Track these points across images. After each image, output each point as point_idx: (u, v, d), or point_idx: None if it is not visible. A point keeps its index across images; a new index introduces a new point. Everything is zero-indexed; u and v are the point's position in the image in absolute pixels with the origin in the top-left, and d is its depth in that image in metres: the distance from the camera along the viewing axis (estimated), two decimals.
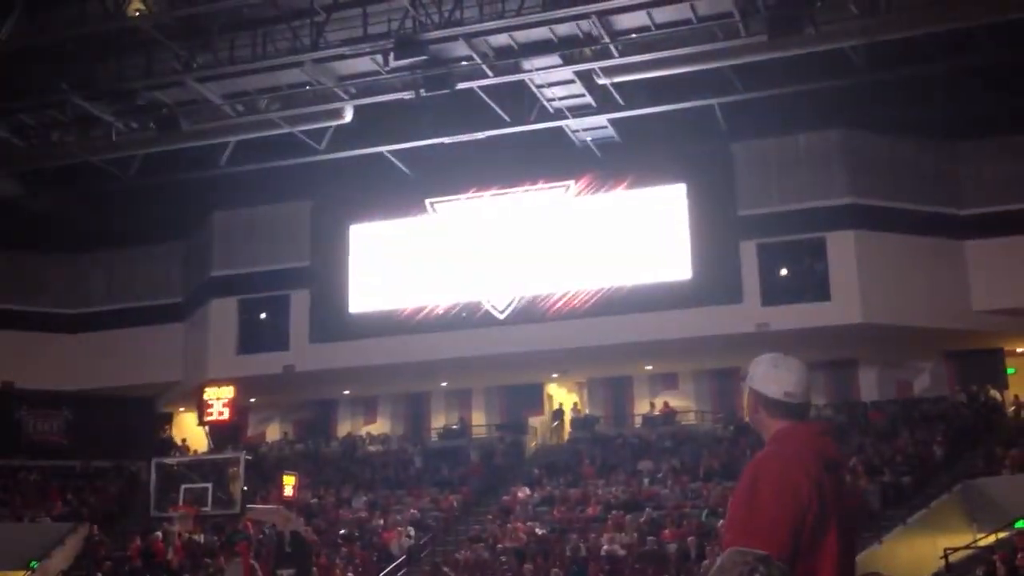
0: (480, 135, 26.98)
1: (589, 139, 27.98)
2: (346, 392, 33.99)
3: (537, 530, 25.00)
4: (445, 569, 23.45)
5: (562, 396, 33.25)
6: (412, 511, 27.61)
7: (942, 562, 20.42)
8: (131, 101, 24.67)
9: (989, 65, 24.29)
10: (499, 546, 24.51)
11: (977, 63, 24.12)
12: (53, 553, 27.08)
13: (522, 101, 26.11)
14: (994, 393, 27.96)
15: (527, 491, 27.61)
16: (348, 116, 25.74)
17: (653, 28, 22.68)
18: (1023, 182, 26.96)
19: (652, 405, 31.17)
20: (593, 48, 23.43)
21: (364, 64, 24.05)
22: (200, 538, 25.61)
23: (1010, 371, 28.91)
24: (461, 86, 23.88)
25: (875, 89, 25.90)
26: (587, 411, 32.33)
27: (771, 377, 3.69)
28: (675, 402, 31.29)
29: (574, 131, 27.39)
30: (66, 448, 32.89)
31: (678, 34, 22.84)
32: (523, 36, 23.02)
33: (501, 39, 23.03)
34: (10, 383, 32.89)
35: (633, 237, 28.81)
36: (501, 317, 29.54)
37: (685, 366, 31.10)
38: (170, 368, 33.02)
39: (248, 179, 29.90)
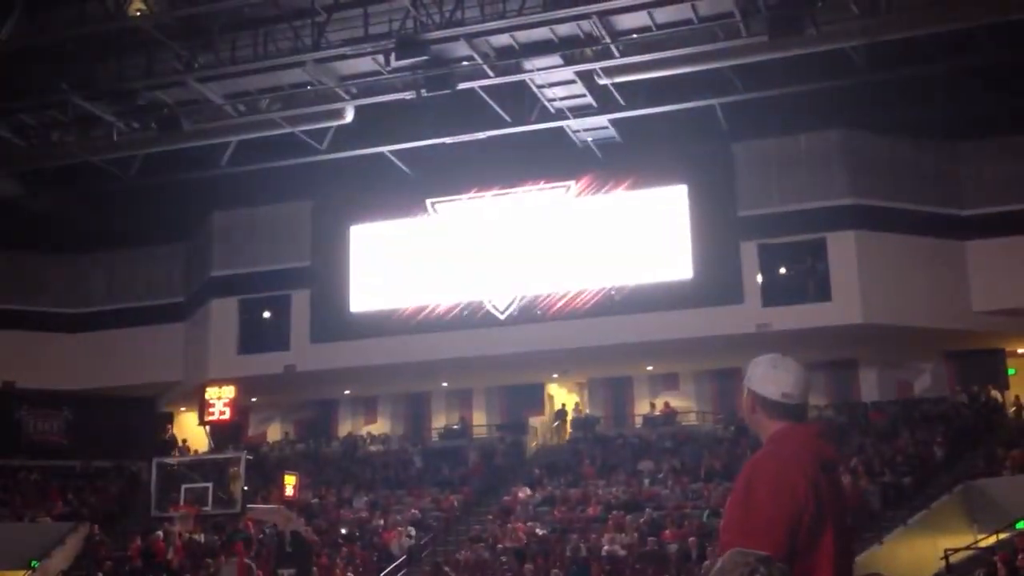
0: (481, 135, 26.98)
1: (590, 139, 27.98)
2: (347, 392, 34.00)
3: (537, 530, 25.00)
4: (446, 569, 23.45)
5: (563, 396, 33.26)
6: (413, 511, 27.62)
7: (943, 563, 20.41)
8: (132, 101, 24.66)
9: (989, 65, 24.28)
10: (499, 546, 24.51)
11: (977, 63, 24.11)
12: (53, 553, 27.09)
13: (523, 101, 26.11)
14: (995, 394, 27.96)
15: (528, 491, 27.61)
16: (349, 116, 25.73)
17: (654, 28, 22.67)
18: (1023, 183, 26.96)
19: (653, 405, 31.17)
20: (594, 48, 23.42)
21: (365, 64, 24.04)
22: (201, 538, 25.63)
23: (1011, 372, 28.92)
24: (462, 86, 23.87)
25: (876, 89, 25.90)
26: (587, 411, 32.32)
27: (769, 378, 3.70)
28: (676, 402, 31.29)
29: (575, 131, 27.38)
30: (66, 448, 32.91)
31: (679, 34, 22.83)
32: (524, 36, 23.01)
33: (502, 39, 23.02)
34: (10, 383, 32.90)
35: (634, 237, 28.81)
36: (502, 317, 29.55)
37: (686, 366, 31.09)
38: (171, 368, 33.02)
39: (249, 179, 29.90)
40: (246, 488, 21.34)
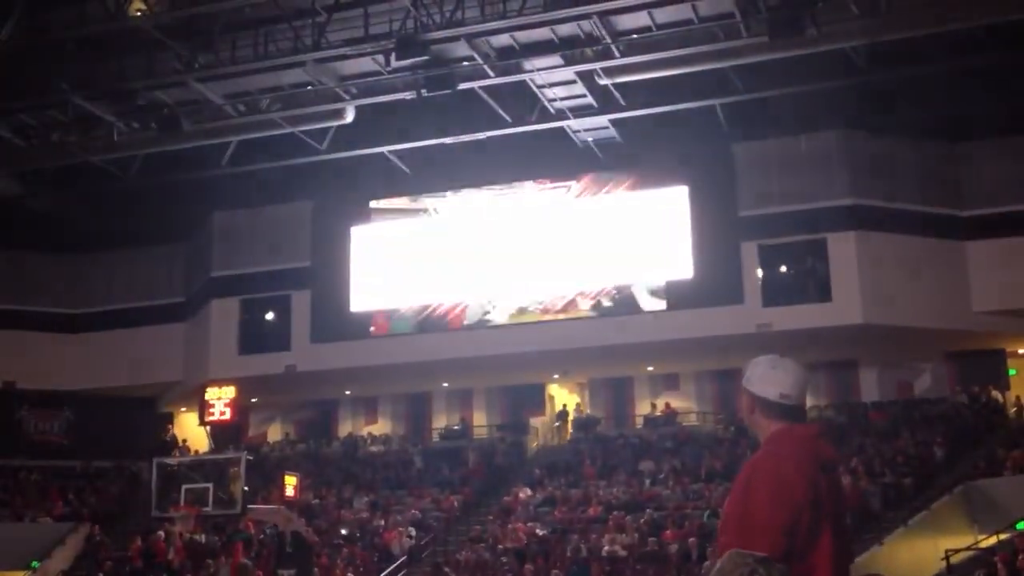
0: (481, 135, 26.99)
1: (590, 139, 27.97)
2: (347, 392, 34.00)
3: (538, 531, 24.99)
4: (446, 570, 23.45)
5: (563, 397, 33.25)
6: (413, 511, 27.62)
7: (943, 563, 20.39)
8: (132, 101, 24.65)
9: (989, 65, 24.28)
10: (500, 547, 24.50)
11: (977, 63, 24.11)
12: (54, 553, 27.07)
13: (523, 101, 26.11)
14: (995, 394, 27.93)
15: (528, 492, 27.61)
16: (349, 116, 25.72)
17: (654, 28, 22.66)
18: (1023, 183, 26.95)
19: (653, 406, 31.16)
20: (594, 48, 23.42)
21: (366, 64, 24.04)
22: (201, 538, 25.61)
23: (1011, 372, 28.91)
24: (462, 86, 23.85)
25: (876, 89, 25.90)
26: (588, 412, 32.31)
27: (767, 379, 3.70)
28: (676, 403, 31.27)
29: (575, 131, 27.38)
30: (67, 448, 32.91)
31: (679, 34, 22.82)
32: (525, 36, 23.00)
33: (503, 39, 23.02)
34: (11, 383, 32.91)
35: (634, 237, 28.82)
36: (502, 317, 29.56)
37: (686, 367, 31.09)
38: (171, 368, 33.04)
39: (249, 179, 29.92)
40: (246, 488, 21.29)
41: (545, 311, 29.23)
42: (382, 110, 26.05)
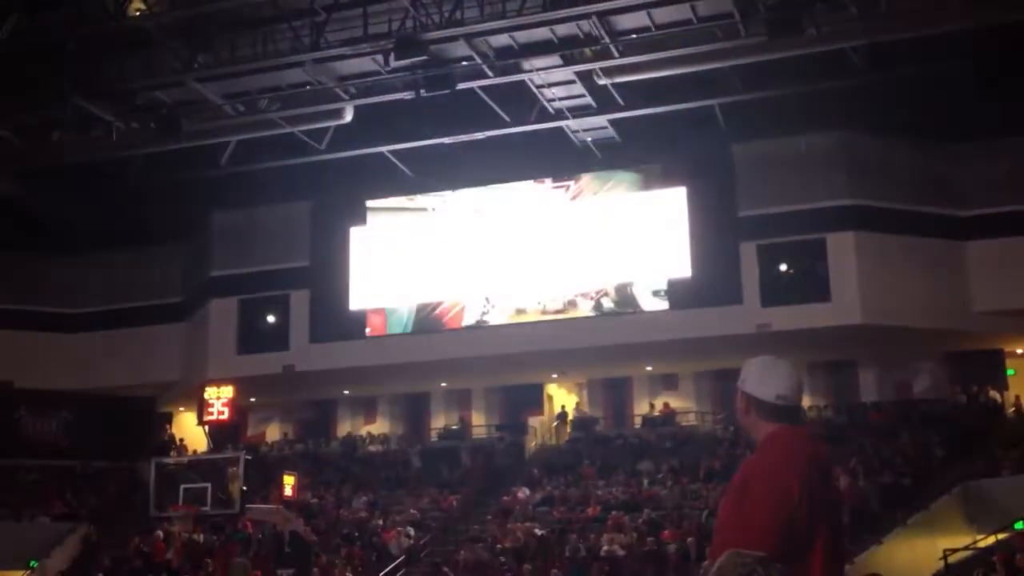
0: (480, 135, 26.99)
1: (589, 139, 27.99)
2: (346, 392, 34.00)
3: (537, 530, 24.97)
4: (445, 569, 23.43)
5: (562, 396, 33.25)
6: (412, 511, 27.62)
7: (941, 563, 20.39)
8: (132, 101, 24.67)
9: (989, 66, 24.27)
10: (499, 546, 24.50)
11: (977, 64, 24.10)
12: (53, 553, 27.06)
13: (522, 101, 26.11)
14: (994, 394, 27.94)
15: (527, 491, 27.61)
16: (348, 116, 25.74)
17: (653, 28, 22.65)
18: (1023, 183, 26.95)
19: (652, 406, 31.15)
20: (593, 48, 23.43)
21: (364, 64, 24.03)
22: (200, 538, 25.61)
23: (1010, 372, 28.92)
24: (461, 86, 23.85)
25: (875, 90, 25.88)
26: (587, 411, 32.29)
27: (763, 380, 3.71)
28: (675, 403, 31.26)
29: (574, 131, 27.39)
30: (66, 448, 32.85)
31: (678, 34, 22.81)
32: (523, 36, 23.00)
33: (501, 39, 23.02)
34: (10, 383, 32.85)
35: (633, 238, 28.82)
36: (501, 317, 29.57)
37: (685, 367, 31.09)
38: (170, 368, 33.05)
39: (249, 179, 29.89)
40: (245, 488, 21.34)
41: (544, 311, 29.24)
42: (381, 110, 26.03)
